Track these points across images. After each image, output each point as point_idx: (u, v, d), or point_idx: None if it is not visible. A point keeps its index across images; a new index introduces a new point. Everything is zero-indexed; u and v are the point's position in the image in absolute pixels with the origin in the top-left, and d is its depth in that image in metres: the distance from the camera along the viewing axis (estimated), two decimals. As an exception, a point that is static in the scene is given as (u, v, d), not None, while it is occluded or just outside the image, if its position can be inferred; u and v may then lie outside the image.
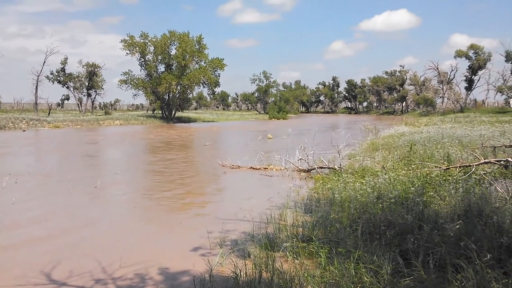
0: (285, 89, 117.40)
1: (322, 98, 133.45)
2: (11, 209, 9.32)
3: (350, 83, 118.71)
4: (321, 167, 12.36)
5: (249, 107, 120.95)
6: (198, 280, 4.91)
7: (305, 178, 12.16)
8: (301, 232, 6.17)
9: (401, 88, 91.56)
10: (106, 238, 7.24)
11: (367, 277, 4.25)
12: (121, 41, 60.02)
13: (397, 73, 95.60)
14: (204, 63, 62.35)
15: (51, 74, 64.61)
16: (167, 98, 62.40)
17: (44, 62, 58.88)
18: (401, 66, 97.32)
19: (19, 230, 7.75)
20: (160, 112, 64.87)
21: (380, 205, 6.27)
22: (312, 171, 12.64)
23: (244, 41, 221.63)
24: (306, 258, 5.25)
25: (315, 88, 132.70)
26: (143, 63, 61.94)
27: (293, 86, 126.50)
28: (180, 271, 5.50)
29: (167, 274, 5.43)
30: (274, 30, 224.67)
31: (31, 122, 44.18)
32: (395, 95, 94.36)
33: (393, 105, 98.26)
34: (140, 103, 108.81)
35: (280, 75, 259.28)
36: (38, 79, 58.87)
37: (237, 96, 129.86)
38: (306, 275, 4.50)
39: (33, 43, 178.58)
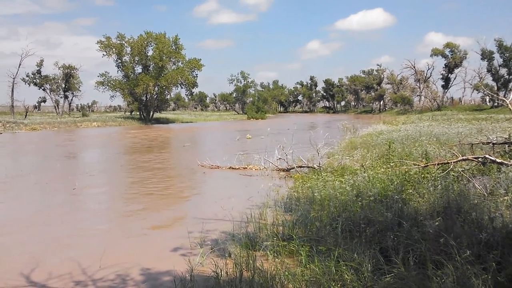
0: (263, 89, 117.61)
1: (300, 97, 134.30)
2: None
3: (327, 82, 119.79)
4: (300, 166, 12.36)
5: (227, 108, 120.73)
6: (178, 280, 4.83)
7: (285, 177, 12.15)
8: (281, 231, 6.13)
9: (379, 87, 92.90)
10: (86, 240, 7.09)
11: (347, 275, 4.23)
12: (98, 42, 59.19)
13: (375, 72, 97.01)
14: (181, 63, 61.93)
15: (27, 76, 63.52)
16: (144, 99, 61.76)
17: (20, 64, 57.87)
18: (378, 65, 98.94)
19: (6, 230, 7.57)
20: (138, 113, 64.10)
21: (360, 203, 6.28)
22: (292, 170, 12.64)
23: (220, 42, 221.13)
24: (286, 256, 5.21)
25: (293, 87, 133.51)
26: (120, 64, 61.10)
27: (271, 86, 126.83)
28: (161, 271, 5.42)
29: (148, 275, 5.34)
30: (250, 31, 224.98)
31: (7, 125, 43.23)
32: (373, 94, 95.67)
33: (371, 104, 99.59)
34: (118, 105, 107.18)
35: (258, 75, 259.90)
36: (14, 81, 57.77)
37: (215, 97, 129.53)
38: (287, 273, 4.46)
39: (8, 46, 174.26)
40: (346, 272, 4.27)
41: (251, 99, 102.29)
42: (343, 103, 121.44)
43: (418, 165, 8.32)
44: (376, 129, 23.07)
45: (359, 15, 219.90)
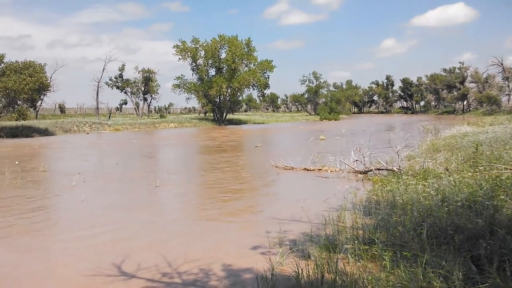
0: (336, 89, 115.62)
1: (375, 97, 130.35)
2: (81, 206, 9.91)
3: (405, 81, 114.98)
4: (379, 169, 12.00)
5: (299, 109, 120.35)
6: (260, 277, 4.93)
7: (362, 180, 11.87)
8: (361, 235, 6.01)
9: (462, 86, 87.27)
10: (169, 235, 7.46)
11: (436, 282, 4.05)
12: (174, 46, 61.93)
13: (457, 70, 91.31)
14: (253, 65, 62.84)
15: (110, 80, 67.73)
16: (218, 101, 63.48)
17: (104, 69, 62.30)
18: (460, 62, 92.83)
19: (89, 225, 8.16)
20: (212, 114, 66.07)
21: (446, 208, 5.96)
22: (369, 172, 12.31)
23: (291, 42, 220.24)
24: (368, 261, 5.10)
25: (368, 87, 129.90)
26: (194, 67, 63.42)
27: (344, 86, 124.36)
28: (242, 268, 5.56)
29: (230, 271, 5.51)
30: (321, 30, 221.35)
31: (93, 126, 46.57)
32: (455, 93, 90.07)
33: (453, 104, 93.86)
34: (193, 106, 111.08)
35: (330, 75, 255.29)
36: (98, 85, 62.14)
37: (287, 98, 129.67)
38: (370, 278, 4.36)
39: (92, 52, 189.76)
40: (435, 280, 4.09)
41: (323, 99, 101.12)
42: (422, 103, 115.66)
43: (511, 169, 7.72)
44: (460, 130, 21.67)
45: (438, 11, 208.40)
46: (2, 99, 35.04)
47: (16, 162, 18.09)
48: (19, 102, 36.07)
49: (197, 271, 5.53)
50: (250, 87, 63.88)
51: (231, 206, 9.76)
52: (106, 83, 66.71)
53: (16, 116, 36.60)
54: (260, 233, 6.95)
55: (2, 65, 35.86)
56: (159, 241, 7.04)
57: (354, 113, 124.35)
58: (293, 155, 17.54)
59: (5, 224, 8.28)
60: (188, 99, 65.38)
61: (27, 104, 38.19)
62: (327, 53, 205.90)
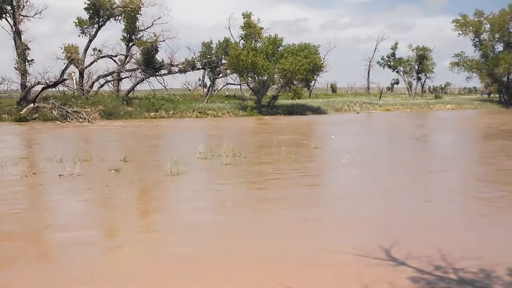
0: None
1: None
2: (348, 182, 10.60)
3: None
4: None
5: None
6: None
7: None
8: None
9: None
10: (443, 225, 7.12)
11: None
12: (453, 21, 56.71)
13: None
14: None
15: (382, 59, 67.48)
16: (506, 80, 55.24)
17: (375, 48, 63.00)
18: None
19: (358, 203, 8.51)
20: (498, 96, 58.12)
21: None
22: None
23: None
24: None
25: None
26: (477, 43, 56.76)
27: None
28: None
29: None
30: None
31: (363, 105, 47.69)
32: None
33: None
34: (473, 86, 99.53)
35: None
36: (369, 65, 63.35)
37: None
38: None
39: (364, 32, 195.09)
40: None
41: None
42: None
43: None
44: None
45: None
46: (280, 79, 39.77)
47: (332, 136, 20.62)
48: (294, 82, 40.31)
49: (476, 270, 5.08)
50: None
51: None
52: (378, 62, 67.05)
53: (292, 95, 41.20)
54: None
55: (281, 48, 40.61)
56: (432, 231, 6.77)
57: None
58: None
59: (282, 193, 9.42)
60: (468, 78, 59.41)
61: (301, 84, 42.27)
62: None
